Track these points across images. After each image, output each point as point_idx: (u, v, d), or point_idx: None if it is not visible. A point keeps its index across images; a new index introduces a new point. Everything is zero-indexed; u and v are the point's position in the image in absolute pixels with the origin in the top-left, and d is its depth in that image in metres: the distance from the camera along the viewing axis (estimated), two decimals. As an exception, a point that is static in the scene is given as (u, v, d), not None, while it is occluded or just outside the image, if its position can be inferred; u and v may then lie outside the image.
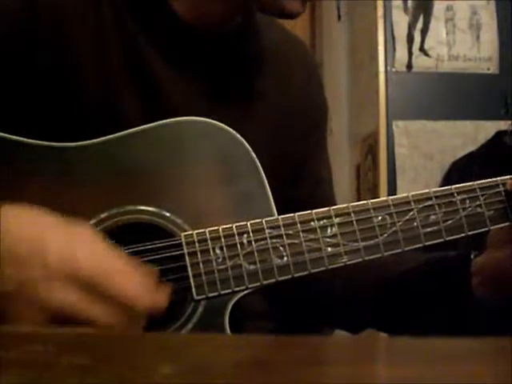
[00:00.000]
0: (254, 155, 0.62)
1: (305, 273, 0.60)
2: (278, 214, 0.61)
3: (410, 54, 2.22)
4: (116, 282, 0.49)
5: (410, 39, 2.22)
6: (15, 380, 0.24)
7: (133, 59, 0.66)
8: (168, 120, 0.62)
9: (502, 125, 2.09)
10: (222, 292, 0.58)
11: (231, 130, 0.62)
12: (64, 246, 0.48)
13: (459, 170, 2.12)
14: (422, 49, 2.22)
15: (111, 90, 0.65)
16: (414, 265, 0.71)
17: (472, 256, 0.66)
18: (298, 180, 0.80)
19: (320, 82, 0.85)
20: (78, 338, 0.36)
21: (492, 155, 2.03)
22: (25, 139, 0.59)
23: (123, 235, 0.59)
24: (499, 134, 2.06)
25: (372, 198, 0.63)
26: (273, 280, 0.59)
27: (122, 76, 0.65)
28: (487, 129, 2.14)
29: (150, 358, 0.29)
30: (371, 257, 0.61)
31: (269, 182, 0.62)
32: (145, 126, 0.61)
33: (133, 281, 0.50)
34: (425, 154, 2.19)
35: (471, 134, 2.19)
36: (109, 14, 0.65)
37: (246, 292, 0.59)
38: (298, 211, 0.61)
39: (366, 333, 0.77)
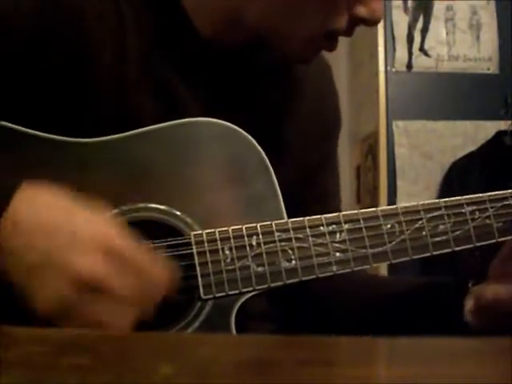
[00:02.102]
0: (265, 158, 0.62)
1: (312, 277, 0.60)
2: (291, 218, 0.61)
3: (410, 53, 2.22)
4: (145, 259, 0.51)
5: (410, 39, 2.22)
6: (15, 380, 0.24)
7: (148, 64, 0.66)
8: (182, 120, 0.62)
9: (502, 125, 2.09)
10: (230, 292, 0.58)
11: (244, 131, 0.62)
12: (92, 219, 0.51)
13: (459, 170, 2.12)
14: (422, 49, 2.22)
15: (126, 91, 0.64)
16: (410, 287, 0.72)
17: (470, 284, 0.66)
18: (305, 190, 0.80)
19: (335, 91, 0.84)
20: (78, 338, 0.36)
21: (492, 155, 2.03)
22: (40, 133, 0.60)
23: (133, 232, 0.59)
24: (499, 134, 2.06)
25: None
26: (280, 283, 0.59)
27: (137, 78, 0.65)
28: (487, 129, 2.14)
29: (149, 358, 0.29)
30: (378, 263, 0.61)
31: (282, 187, 0.63)
32: (159, 125, 0.61)
33: (157, 263, 0.53)
34: (425, 153, 2.19)
35: (471, 133, 2.19)
36: (128, 19, 0.65)
37: (253, 293, 0.59)
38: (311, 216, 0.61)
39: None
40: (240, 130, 0.62)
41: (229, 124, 0.62)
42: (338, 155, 0.87)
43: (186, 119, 0.62)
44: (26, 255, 0.48)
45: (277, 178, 0.63)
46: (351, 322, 0.78)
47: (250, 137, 0.62)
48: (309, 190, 0.80)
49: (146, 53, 0.65)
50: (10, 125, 0.59)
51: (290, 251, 0.60)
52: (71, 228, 0.49)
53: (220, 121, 0.62)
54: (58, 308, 0.49)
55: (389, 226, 0.62)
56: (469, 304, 0.64)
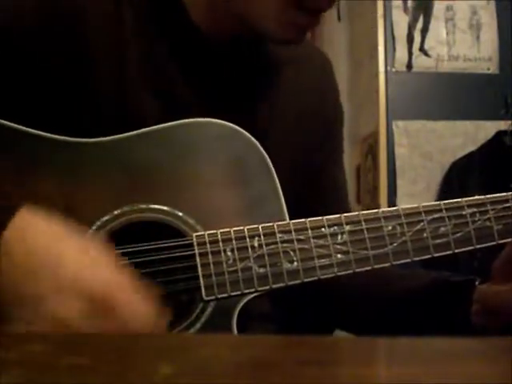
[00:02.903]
0: (267, 158, 0.62)
1: (314, 278, 0.60)
2: (293, 219, 0.61)
3: (410, 54, 2.22)
4: (126, 310, 0.49)
5: (410, 39, 2.22)
6: (15, 380, 0.24)
7: (149, 63, 0.66)
8: (183, 120, 0.62)
9: (502, 125, 2.09)
10: (232, 294, 0.58)
11: (245, 132, 0.62)
12: (78, 264, 0.49)
13: (459, 170, 2.12)
14: (422, 49, 2.22)
15: (127, 90, 0.64)
16: (418, 283, 0.72)
17: (477, 282, 0.66)
18: (315, 186, 0.80)
19: (335, 87, 0.84)
20: (78, 338, 0.36)
21: (492, 155, 2.03)
22: (40, 132, 0.59)
23: (135, 233, 0.59)
24: (499, 134, 2.06)
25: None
26: (282, 284, 0.59)
27: (138, 78, 0.65)
28: (487, 129, 2.14)
29: (149, 358, 0.29)
30: (380, 265, 0.61)
31: (284, 188, 0.63)
32: (160, 126, 0.61)
33: (140, 310, 0.50)
34: (425, 153, 2.19)
35: (471, 133, 2.19)
36: (129, 18, 0.65)
37: (254, 294, 0.59)
38: (313, 216, 0.61)
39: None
40: (242, 130, 0.62)
41: (230, 124, 0.62)
42: (343, 150, 0.86)
43: (188, 120, 0.62)
44: (16, 287, 0.47)
45: (278, 178, 0.63)
46: (358, 318, 0.78)
47: (251, 137, 0.62)
48: (311, 189, 0.80)
49: (145, 52, 0.65)
50: (9, 123, 0.59)
51: (291, 253, 0.60)
52: (55, 271, 0.48)
53: (221, 121, 0.62)
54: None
55: (390, 227, 0.62)
56: (474, 304, 0.64)
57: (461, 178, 2.08)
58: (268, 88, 0.73)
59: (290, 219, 0.62)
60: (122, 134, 0.61)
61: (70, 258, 0.49)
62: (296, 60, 0.77)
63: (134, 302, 0.51)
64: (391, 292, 0.74)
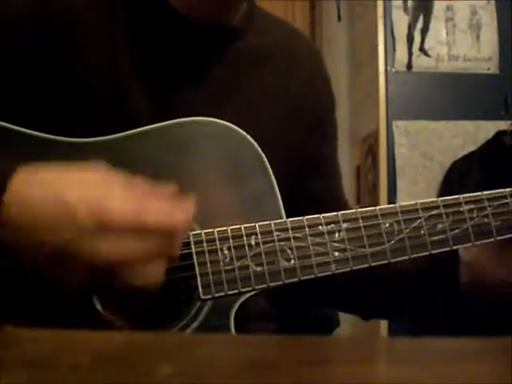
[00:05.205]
0: (263, 156, 0.62)
1: (311, 276, 0.60)
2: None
3: (410, 53, 2.21)
4: (148, 215, 0.50)
5: (409, 39, 2.22)
6: (15, 380, 0.24)
7: (140, 58, 0.66)
8: (178, 120, 0.62)
9: (502, 125, 2.09)
10: (229, 292, 0.58)
11: (240, 130, 0.62)
12: (87, 200, 0.50)
13: (459, 170, 2.11)
14: (422, 49, 2.22)
15: (121, 87, 0.65)
16: (412, 266, 0.72)
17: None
18: (314, 173, 0.79)
19: (325, 77, 0.83)
20: (78, 338, 0.36)
21: (492, 155, 2.03)
22: (36, 132, 0.60)
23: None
24: (499, 134, 2.05)
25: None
26: (279, 282, 0.60)
27: (130, 74, 0.65)
28: (487, 129, 2.14)
29: (149, 358, 0.29)
30: (377, 263, 0.61)
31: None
32: (155, 125, 0.61)
33: (160, 207, 0.52)
34: (425, 153, 2.18)
35: (471, 133, 2.18)
36: (120, 15, 0.66)
37: (252, 293, 0.59)
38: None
39: (366, 333, 0.78)
40: (237, 128, 0.62)
41: (226, 123, 0.62)
42: (336, 139, 0.85)
43: (184, 119, 0.62)
44: (37, 232, 0.49)
45: (277, 172, 0.63)
46: (350, 297, 0.79)
47: (247, 135, 0.62)
48: (317, 176, 0.80)
49: (134, 41, 0.66)
50: (2, 123, 0.59)
51: (288, 251, 0.60)
52: (71, 218, 0.49)
53: (217, 120, 0.62)
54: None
55: (387, 224, 0.62)
56: (462, 267, 0.66)
57: (461, 177, 2.08)
58: (247, 80, 0.73)
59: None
60: (115, 130, 0.61)
61: (76, 199, 0.49)
62: (283, 50, 0.77)
63: (151, 202, 0.51)
64: (385, 272, 0.74)
